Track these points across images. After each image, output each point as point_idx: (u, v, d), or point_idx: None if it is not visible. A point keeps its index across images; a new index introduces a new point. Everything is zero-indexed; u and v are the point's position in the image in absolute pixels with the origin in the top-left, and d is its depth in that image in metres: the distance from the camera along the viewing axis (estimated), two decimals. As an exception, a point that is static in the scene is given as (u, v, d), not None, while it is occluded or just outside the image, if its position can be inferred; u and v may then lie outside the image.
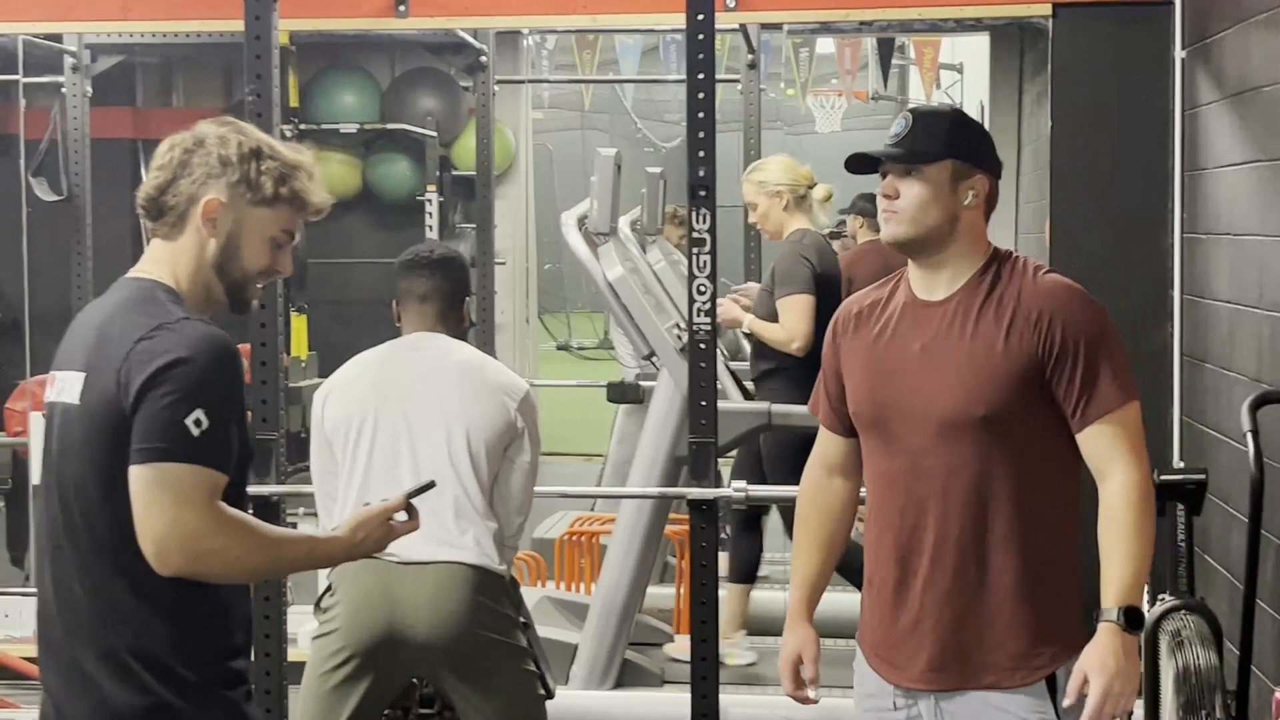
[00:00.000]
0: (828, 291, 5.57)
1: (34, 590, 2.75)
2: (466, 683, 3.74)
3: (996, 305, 2.81)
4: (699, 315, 4.57)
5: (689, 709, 4.63)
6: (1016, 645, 2.80)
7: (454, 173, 10.48)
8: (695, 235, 4.54)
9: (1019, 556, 2.79)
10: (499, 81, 8.28)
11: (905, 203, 2.83)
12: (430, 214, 10.06)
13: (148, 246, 2.59)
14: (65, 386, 2.48)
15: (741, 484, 4.72)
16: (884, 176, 2.89)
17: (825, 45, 13.22)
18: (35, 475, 5.29)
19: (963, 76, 12.85)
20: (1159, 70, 5.57)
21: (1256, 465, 3.79)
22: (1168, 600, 3.95)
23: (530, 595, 5.21)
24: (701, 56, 4.50)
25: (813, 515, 3.07)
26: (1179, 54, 5.52)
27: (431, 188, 10.17)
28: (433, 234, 10.07)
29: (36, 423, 5.32)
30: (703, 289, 4.56)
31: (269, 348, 4.65)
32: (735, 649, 5.65)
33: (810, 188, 5.80)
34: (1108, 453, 2.75)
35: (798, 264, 5.57)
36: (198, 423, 2.32)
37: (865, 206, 8.67)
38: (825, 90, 14.61)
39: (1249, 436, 3.80)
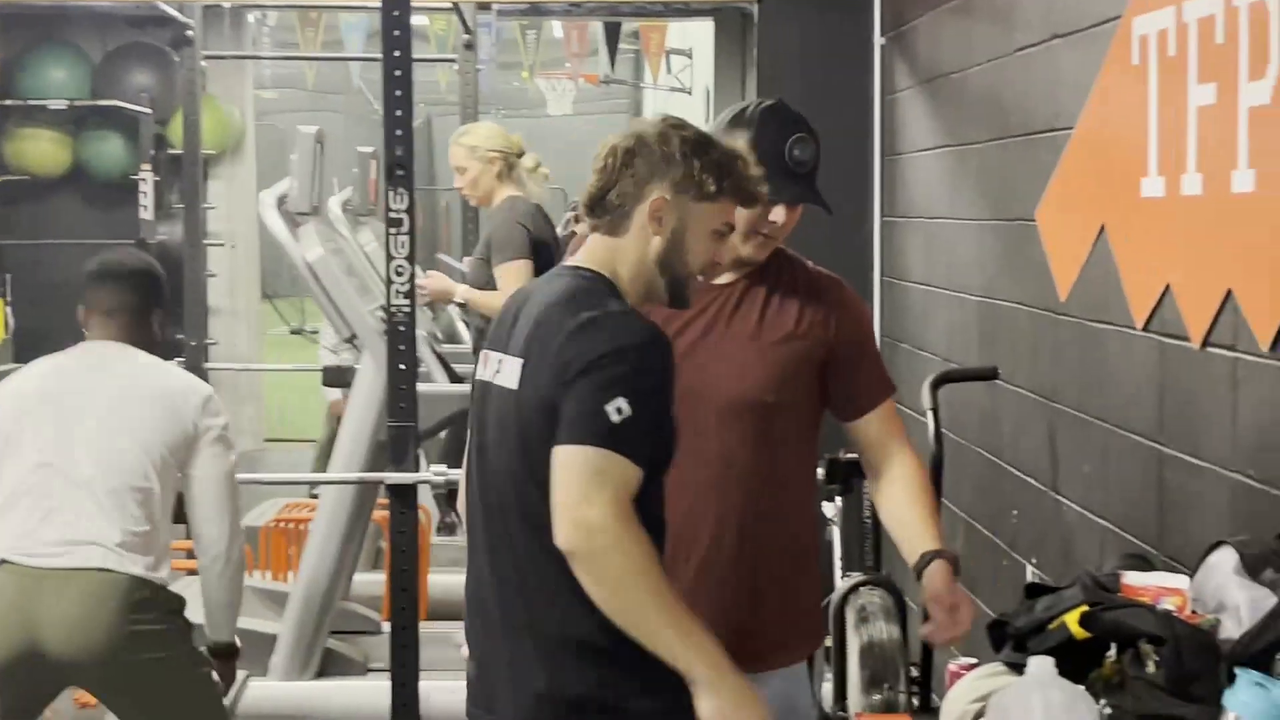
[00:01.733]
0: (542, 256, 5.55)
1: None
2: (126, 699, 3.55)
3: (781, 295, 2.83)
4: (397, 297, 4.51)
5: (389, 697, 4.57)
6: (784, 628, 2.85)
7: (170, 151, 10.15)
8: (393, 215, 4.47)
9: (787, 542, 2.84)
10: (207, 57, 8.04)
11: (785, 229, 2.83)
12: (144, 193, 9.74)
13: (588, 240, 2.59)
14: (503, 370, 2.49)
15: (441, 468, 4.66)
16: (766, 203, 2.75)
17: (556, 29, 13.20)
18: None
19: (693, 62, 12.98)
20: (861, 56, 5.68)
21: (936, 442, 3.89)
22: (854, 576, 4.02)
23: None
24: (397, 34, 4.45)
25: None
26: (878, 40, 5.63)
27: (146, 166, 9.83)
28: (147, 214, 9.74)
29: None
30: (400, 270, 4.49)
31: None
32: None
33: (519, 155, 5.77)
34: (891, 435, 2.91)
35: (513, 230, 5.53)
36: (619, 410, 2.32)
37: None
38: (556, 74, 14.61)
39: (929, 414, 3.90)
